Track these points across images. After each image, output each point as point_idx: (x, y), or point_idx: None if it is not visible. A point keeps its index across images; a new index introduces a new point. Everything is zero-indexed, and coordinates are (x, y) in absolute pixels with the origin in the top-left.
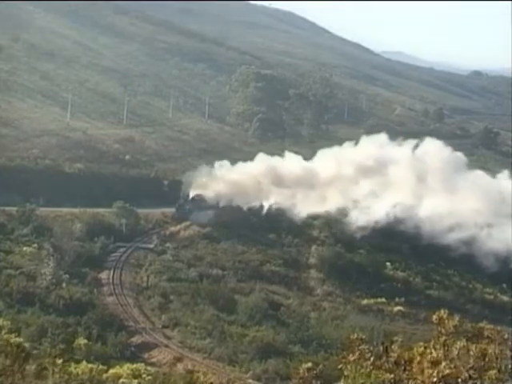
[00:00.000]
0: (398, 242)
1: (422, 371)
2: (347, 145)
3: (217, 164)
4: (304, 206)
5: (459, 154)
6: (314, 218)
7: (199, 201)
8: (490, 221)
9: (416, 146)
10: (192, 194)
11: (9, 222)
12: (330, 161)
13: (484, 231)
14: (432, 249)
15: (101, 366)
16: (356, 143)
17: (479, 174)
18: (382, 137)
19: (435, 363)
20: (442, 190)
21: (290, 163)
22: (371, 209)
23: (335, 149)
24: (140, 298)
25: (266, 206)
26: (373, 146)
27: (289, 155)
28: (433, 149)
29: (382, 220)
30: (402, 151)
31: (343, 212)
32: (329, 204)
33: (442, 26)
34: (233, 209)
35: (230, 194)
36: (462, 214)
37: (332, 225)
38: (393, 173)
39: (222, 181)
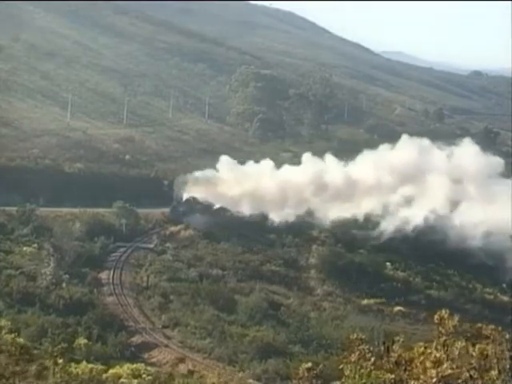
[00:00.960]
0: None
1: (425, 371)
2: (384, 147)
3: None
4: (335, 213)
5: (498, 160)
6: (337, 223)
7: (194, 203)
8: None
9: (452, 152)
10: (186, 196)
11: (9, 221)
12: (369, 168)
13: None
14: (458, 254)
15: (101, 366)
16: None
17: None
18: (424, 141)
19: (438, 363)
20: (477, 197)
21: (333, 172)
22: (404, 216)
23: (375, 153)
24: (140, 298)
25: (293, 216)
26: (411, 150)
27: (329, 158)
28: (470, 154)
29: (414, 227)
30: (438, 156)
31: (372, 218)
32: (361, 210)
33: (442, 26)
34: (229, 212)
35: (258, 204)
36: (494, 223)
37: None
38: (429, 179)
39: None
